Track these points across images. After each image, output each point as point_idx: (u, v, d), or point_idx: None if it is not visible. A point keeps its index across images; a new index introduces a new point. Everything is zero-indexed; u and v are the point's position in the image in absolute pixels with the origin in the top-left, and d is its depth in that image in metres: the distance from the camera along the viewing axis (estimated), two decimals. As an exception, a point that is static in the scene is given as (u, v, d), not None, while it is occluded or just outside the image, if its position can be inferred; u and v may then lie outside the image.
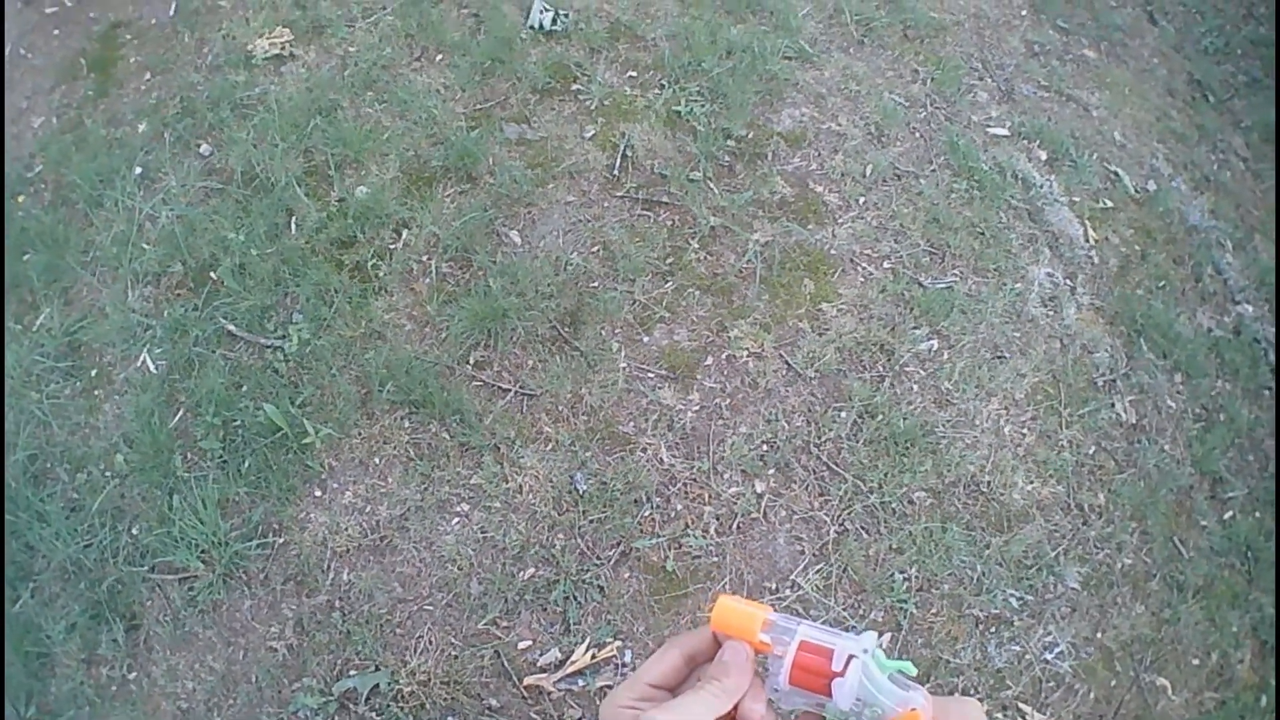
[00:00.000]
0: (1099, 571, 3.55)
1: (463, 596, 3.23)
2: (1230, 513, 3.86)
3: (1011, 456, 3.69)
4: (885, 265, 4.08)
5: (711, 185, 4.20)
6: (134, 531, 3.40)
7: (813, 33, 4.96)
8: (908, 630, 3.28)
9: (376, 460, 3.47)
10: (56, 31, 5.06)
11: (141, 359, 3.74)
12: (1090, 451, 3.80)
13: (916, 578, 3.38)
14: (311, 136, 4.24)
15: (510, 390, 3.61)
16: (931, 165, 4.48)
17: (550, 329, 3.75)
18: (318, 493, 3.43)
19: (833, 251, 4.07)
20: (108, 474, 3.51)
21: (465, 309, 3.72)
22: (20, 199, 4.28)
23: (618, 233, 4.01)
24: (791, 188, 4.26)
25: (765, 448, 3.56)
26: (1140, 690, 3.38)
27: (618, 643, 3.17)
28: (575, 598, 3.23)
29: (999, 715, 3.21)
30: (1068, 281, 4.23)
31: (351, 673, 3.10)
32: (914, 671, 0.80)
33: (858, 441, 3.60)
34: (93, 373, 3.76)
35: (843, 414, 3.66)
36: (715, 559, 3.34)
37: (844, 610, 3.27)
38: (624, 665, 3.15)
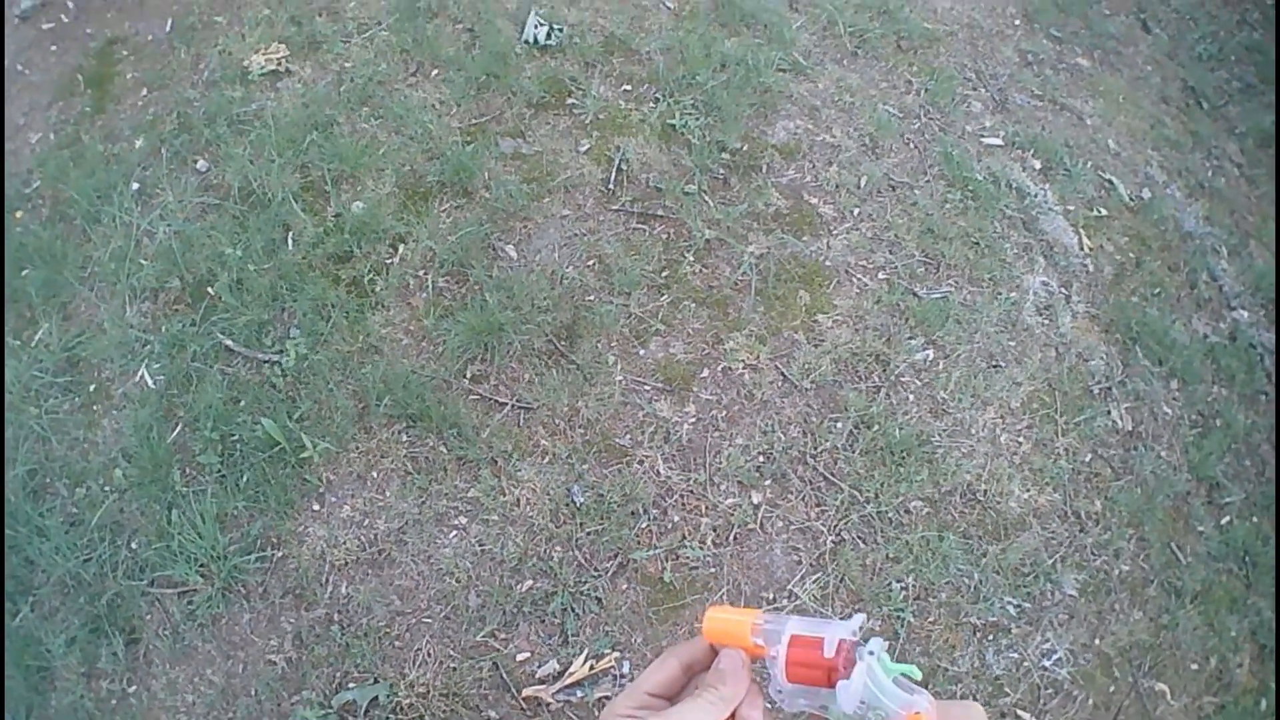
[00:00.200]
0: (1096, 578, 3.55)
1: (461, 609, 3.23)
2: (1228, 518, 3.87)
3: (1008, 465, 3.70)
4: (880, 276, 4.09)
5: (706, 198, 4.21)
6: (133, 546, 3.41)
7: (806, 45, 4.98)
8: (905, 639, 3.28)
9: (374, 474, 3.48)
10: (54, 48, 5.08)
11: (140, 374, 3.75)
12: (1087, 459, 3.81)
13: (914, 586, 3.39)
14: (308, 152, 4.26)
15: (507, 404, 3.62)
16: (926, 176, 4.50)
17: (546, 342, 3.76)
18: (316, 506, 3.43)
19: (828, 263, 4.08)
20: (107, 489, 3.52)
21: (462, 323, 3.73)
22: (18, 215, 4.30)
23: (613, 246, 4.03)
24: (786, 200, 4.27)
25: (762, 459, 3.57)
26: (1139, 696, 3.39)
27: (616, 654, 3.17)
28: (573, 609, 3.24)
29: (998, 723, 3.22)
30: (1063, 290, 4.24)
31: (350, 685, 3.11)
32: (919, 675, 0.80)
33: (854, 452, 3.61)
34: (91, 388, 3.77)
35: (839, 424, 3.67)
36: (713, 570, 3.34)
37: (842, 620, 3.28)
38: (622, 676, 3.15)
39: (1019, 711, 3.23)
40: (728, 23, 4.97)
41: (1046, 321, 4.12)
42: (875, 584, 3.36)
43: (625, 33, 4.84)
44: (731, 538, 3.41)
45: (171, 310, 3.89)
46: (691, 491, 3.48)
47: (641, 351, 3.78)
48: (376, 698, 3.08)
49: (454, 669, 3.14)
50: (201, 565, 3.30)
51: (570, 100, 4.52)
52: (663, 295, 3.91)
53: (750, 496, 3.49)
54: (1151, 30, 5.89)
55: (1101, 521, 3.68)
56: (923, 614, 3.35)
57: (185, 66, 4.77)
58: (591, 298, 3.89)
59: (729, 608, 0.92)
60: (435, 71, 4.63)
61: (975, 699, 3.21)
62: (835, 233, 4.19)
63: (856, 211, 4.28)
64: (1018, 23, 5.52)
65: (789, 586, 3.33)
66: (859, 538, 3.45)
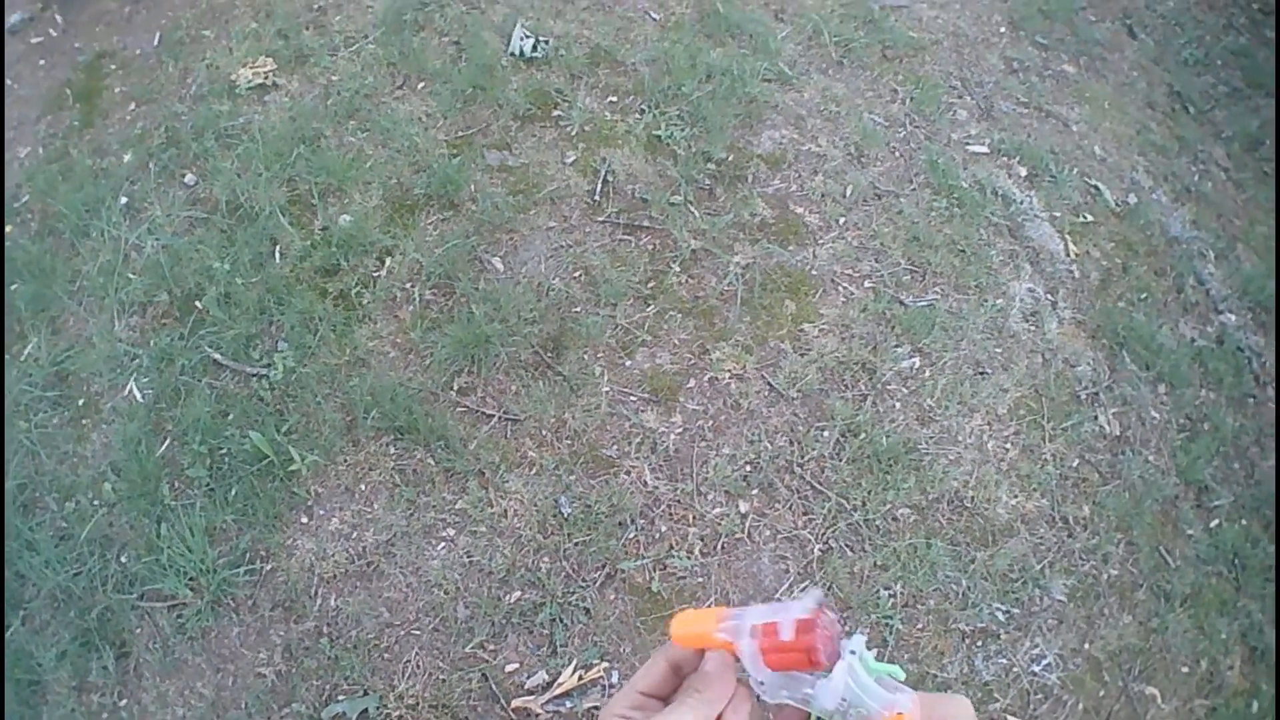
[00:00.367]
0: (1085, 583, 3.56)
1: (450, 620, 3.24)
2: (1216, 521, 3.87)
3: (995, 471, 3.71)
4: (866, 284, 4.10)
5: (692, 208, 4.23)
6: (123, 559, 3.41)
7: (792, 55, 5.00)
8: (894, 646, 3.29)
9: (362, 486, 3.49)
10: (42, 62, 5.09)
11: (128, 388, 3.76)
12: (1074, 464, 3.81)
13: (902, 594, 3.39)
14: (295, 165, 4.27)
15: (494, 415, 3.63)
16: (911, 184, 4.51)
17: (533, 354, 3.77)
18: (304, 519, 3.44)
19: (814, 272, 4.09)
20: (96, 502, 3.53)
21: (449, 336, 3.74)
22: (7, 229, 4.30)
23: (599, 257, 4.04)
24: (772, 209, 4.28)
25: (748, 468, 3.58)
26: (1129, 700, 3.39)
27: (605, 664, 3.18)
28: (561, 620, 3.24)
29: (988, 729, 3.23)
30: (1049, 296, 4.25)
31: (340, 698, 3.11)
32: (902, 675, 0.79)
33: (841, 460, 3.62)
34: (80, 402, 3.77)
35: (825, 433, 3.67)
36: (700, 579, 3.35)
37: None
38: (611, 686, 3.16)
39: (1009, 717, 3.23)
40: (713, 33, 4.99)
41: (1033, 328, 4.12)
42: (863, 592, 3.36)
43: (610, 44, 4.85)
44: (719, 547, 3.41)
45: (160, 324, 3.89)
46: (679, 501, 3.49)
47: (628, 362, 3.79)
48: (366, 710, 3.09)
49: (443, 680, 3.15)
50: (191, 578, 3.31)
51: (556, 112, 4.54)
52: (649, 306, 3.92)
53: (737, 506, 3.50)
54: (1137, 36, 5.90)
55: (1090, 526, 3.68)
56: (911, 621, 3.36)
57: (173, 81, 4.78)
58: (578, 309, 3.90)
59: (693, 610, 0.91)
60: (422, 84, 4.65)
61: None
62: (821, 242, 4.21)
63: (842, 220, 4.29)
64: (1003, 30, 5.53)
65: (777, 595, 3.33)
66: (847, 546, 3.45)
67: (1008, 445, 3.79)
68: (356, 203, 4.17)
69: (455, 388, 3.69)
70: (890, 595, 3.38)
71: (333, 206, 4.16)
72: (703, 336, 3.86)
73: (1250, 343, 4.44)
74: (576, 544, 3.38)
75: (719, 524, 3.45)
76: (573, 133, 4.46)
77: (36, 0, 5.37)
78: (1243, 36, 6.13)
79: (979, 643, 3.37)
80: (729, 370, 3.78)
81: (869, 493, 3.55)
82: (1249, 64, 5.91)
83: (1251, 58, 5.94)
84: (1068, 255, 4.42)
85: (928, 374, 3.88)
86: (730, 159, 4.43)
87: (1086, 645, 3.45)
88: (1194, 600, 3.63)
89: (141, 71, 4.88)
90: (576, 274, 4.00)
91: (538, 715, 3.09)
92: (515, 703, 3.09)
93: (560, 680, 3.13)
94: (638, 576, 3.34)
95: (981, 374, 3.93)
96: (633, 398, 3.70)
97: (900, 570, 3.42)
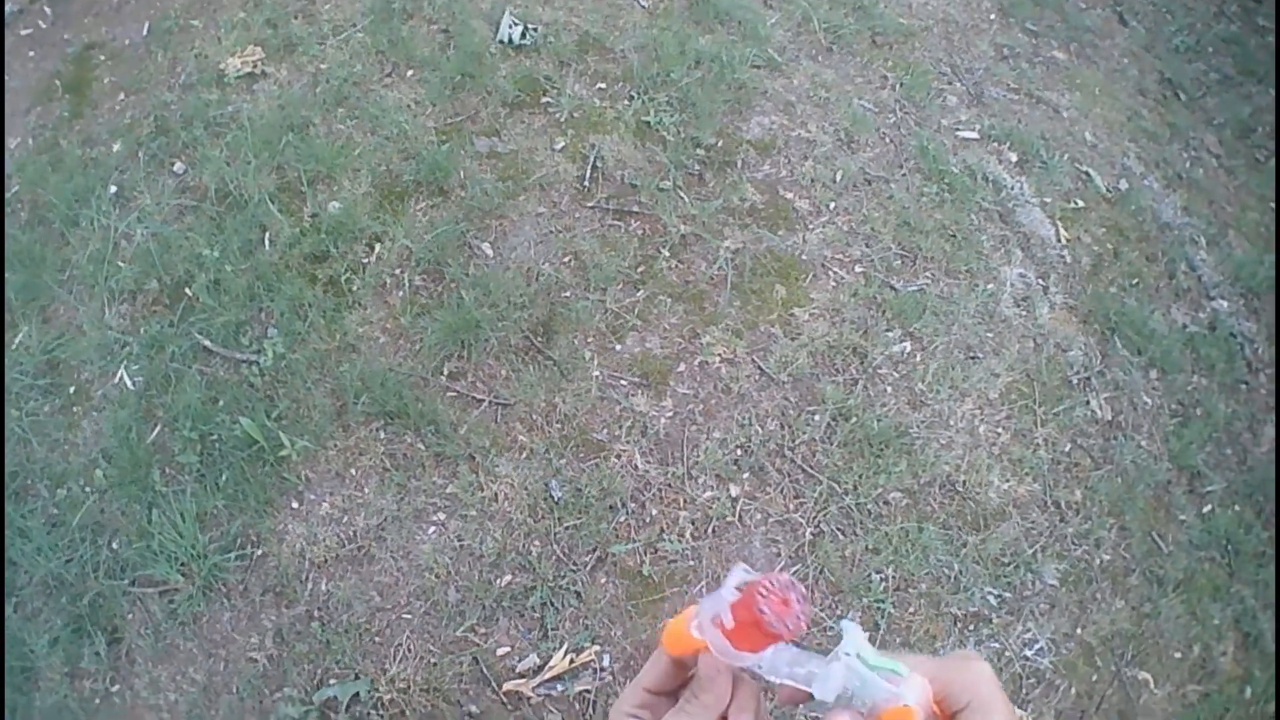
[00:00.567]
0: (1077, 568, 3.56)
1: (441, 604, 3.24)
2: (1209, 506, 3.87)
3: (987, 456, 3.71)
4: (857, 269, 4.10)
5: (682, 194, 4.22)
6: (114, 546, 3.41)
7: (781, 41, 4.99)
8: (886, 630, 3.29)
9: (353, 471, 3.49)
10: (32, 54, 5.08)
11: (119, 375, 3.75)
12: (1066, 449, 3.81)
13: (893, 577, 3.39)
14: (284, 153, 4.26)
15: (484, 400, 3.63)
16: (902, 169, 4.51)
17: (523, 339, 3.77)
18: (295, 504, 3.44)
19: (804, 257, 4.09)
20: (87, 489, 3.52)
21: (438, 321, 3.74)
22: (-3, 220, 4.30)
23: (589, 243, 4.03)
24: (761, 195, 4.28)
25: (739, 452, 3.58)
26: (1122, 685, 3.39)
27: (596, 647, 3.18)
28: (552, 604, 3.25)
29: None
30: (1040, 281, 4.25)
31: (331, 681, 3.11)
32: (905, 672, 0.76)
33: (832, 444, 3.62)
34: (71, 390, 3.77)
35: (816, 417, 3.68)
36: (691, 563, 3.35)
37: (821, 611, 3.29)
38: (602, 670, 3.16)
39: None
40: (702, 20, 4.98)
41: (1024, 313, 4.12)
42: (855, 575, 3.37)
43: (600, 31, 4.85)
44: (710, 531, 3.42)
45: (150, 311, 3.89)
46: (669, 485, 3.49)
47: (618, 347, 3.79)
48: (358, 694, 3.09)
49: (434, 664, 3.15)
50: (182, 564, 3.31)
51: (545, 99, 4.53)
52: (639, 291, 3.92)
53: (728, 489, 3.50)
54: (1128, 23, 5.89)
55: (1082, 511, 3.68)
56: (903, 605, 3.36)
57: (162, 70, 4.77)
58: (568, 294, 3.90)
59: (675, 617, 0.88)
60: (410, 72, 4.64)
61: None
62: (811, 227, 4.20)
63: (832, 205, 4.29)
64: (993, 17, 5.53)
65: (768, 578, 3.32)
66: (838, 529, 3.46)
67: (999, 430, 3.79)
68: (346, 190, 4.16)
69: (445, 373, 3.69)
70: (882, 579, 3.38)
71: (322, 194, 4.16)
72: (693, 321, 3.86)
73: (1242, 329, 4.44)
74: (567, 528, 3.38)
75: (710, 508, 3.45)
76: (562, 119, 4.45)
77: (26, -8, 5.37)
78: (1234, 24, 6.13)
79: (971, 627, 3.37)
80: (719, 354, 3.78)
81: (860, 476, 3.55)
82: (1240, 51, 5.91)
83: (1243, 45, 5.94)
84: (1059, 241, 4.42)
85: (919, 358, 3.88)
86: (719, 145, 4.43)
87: (1079, 630, 3.45)
88: (1187, 586, 3.63)
89: (131, 62, 4.87)
90: (566, 259, 4.00)
91: (529, 699, 3.09)
92: (506, 686, 3.09)
93: (551, 664, 3.13)
94: (629, 560, 3.34)
95: (973, 358, 3.93)
96: (623, 382, 3.70)
97: (892, 554, 3.42)
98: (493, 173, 4.24)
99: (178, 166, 4.31)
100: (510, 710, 3.08)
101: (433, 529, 3.38)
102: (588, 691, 3.10)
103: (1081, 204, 4.61)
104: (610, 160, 4.32)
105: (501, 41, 4.72)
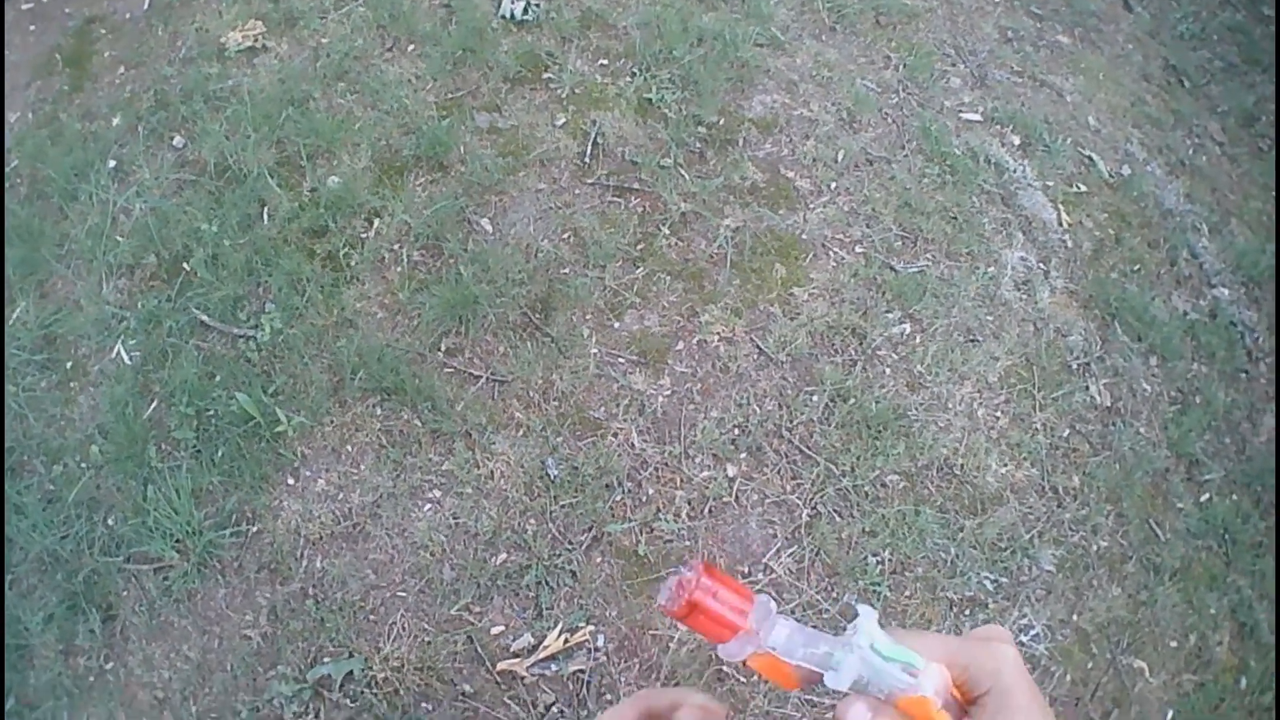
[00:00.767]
0: (1074, 554, 3.55)
1: (435, 582, 3.23)
2: (1207, 495, 3.86)
3: (985, 439, 3.70)
4: (857, 250, 4.09)
5: (682, 171, 4.21)
6: (109, 522, 3.40)
7: (784, 20, 4.98)
8: (882, 613, 3.26)
9: (349, 448, 3.48)
10: (32, 28, 5.06)
11: (116, 350, 3.74)
12: (1064, 434, 3.80)
13: (890, 560, 3.38)
14: (284, 127, 4.25)
15: (481, 377, 3.62)
16: (904, 150, 4.49)
17: (521, 315, 3.75)
18: (290, 481, 3.43)
19: (804, 236, 4.08)
20: (83, 465, 3.51)
21: (436, 297, 3.73)
22: (-5, 194, 4.29)
23: (588, 219, 4.02)
24: (763, 173, 4.27)
25: (737, 432, 3.57)
26: (1117, 672, 3.38)
27: (590, 627, 3.17)
28: (547, 583, 3.24)
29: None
30: (1041, 265, 4.24)
31: (325, 659, 3.11)
32: (921, 665, 0.74)
33: (830, 425, 3.61)
34: (68, 365, 3.76)
35: (814, 398, 3.66)
36: (687, 543, 3.34)
37: (817, 593, 3.28)
38: (596, 650, 3.15)
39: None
40: (705, -2, 4.97)
41: (1025, 296, 4.11)
42: (851, 558, 3.36)
43: (602, 8, 4.83)
44: (706, 511, 3.40)
45: (147, 286, 3.88)
46: (666, 464, 3.48)
47: (616, 324, 3.77)
48: (351, 671, 3.08)
49: (428, 643, 3.14)
50: (177, 541, 3.30)
51: (546, 75, 4.52)
52: (638, 268, 3.91)
53: (725, 469, 3.49)
54: (1133, 9, 5.88)
55: (1079, 497, 3.67)
56: (899, 588, 3.35)
57: (162, 44, 4.76)
58: (566, 271, 3.89)
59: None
60: (411, 47, 4.62)
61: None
62: (812, 206, 4.19)
63: (834, 185, 4.28)
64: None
65: (764, 560, 3.33)
66: (835, 511, 3.45)
67: (998, 413, 3.78)
68: (345, 164, 4.15)
69: (443, 349, 3.68)
70: (878, 562, 3.37)
71: (321, 168, 4.14)
72: (692, 299, 3.85)
73: (1243, 318, 4.43)
74: (563, 506, 3.37)
75: (707, 487, 3.44)
76: (563, 95, 4.44)
77: (27, -34, 5.35)
78: (1239, 12, 6.12)
79: (967, 611, 3.36)
80: (718, 333, 3.76)
81: (858, 458, 3.54)
82: (1245, 40, 5.90)
83: (1248, 34, 5.93)
84: (1060, 225, 4.41)
85: (918, 340, 3.87)
86: (721, 123, 4.41)
87: (1075, 617, 3.44)
88: (1184, 574, 3.62)
89: (131, 36, 4.86)
90: (565, 236, 3.99)
91: (523, 678, 3.08)
92: (500, 665, 3.09)
93: (546, 643, 3.12)
94: (624, 539, 3.33)
95: (972, 341, 3.92)
96: (621, 359, 3.69)
97: (889, 537, 3.41)
98: (493, 148, 4.22)
99: (177, 141, 4.29)
100: (504, 690, 3.07)
101: (428, 506, 3.37)
102: (582, 671, 3.10)
103: (1084, 189, 4.60)
104: (611, 137, 4.31)
105: (503, 17, 4.71)
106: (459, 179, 4.10)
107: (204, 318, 3.75)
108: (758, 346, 3.76)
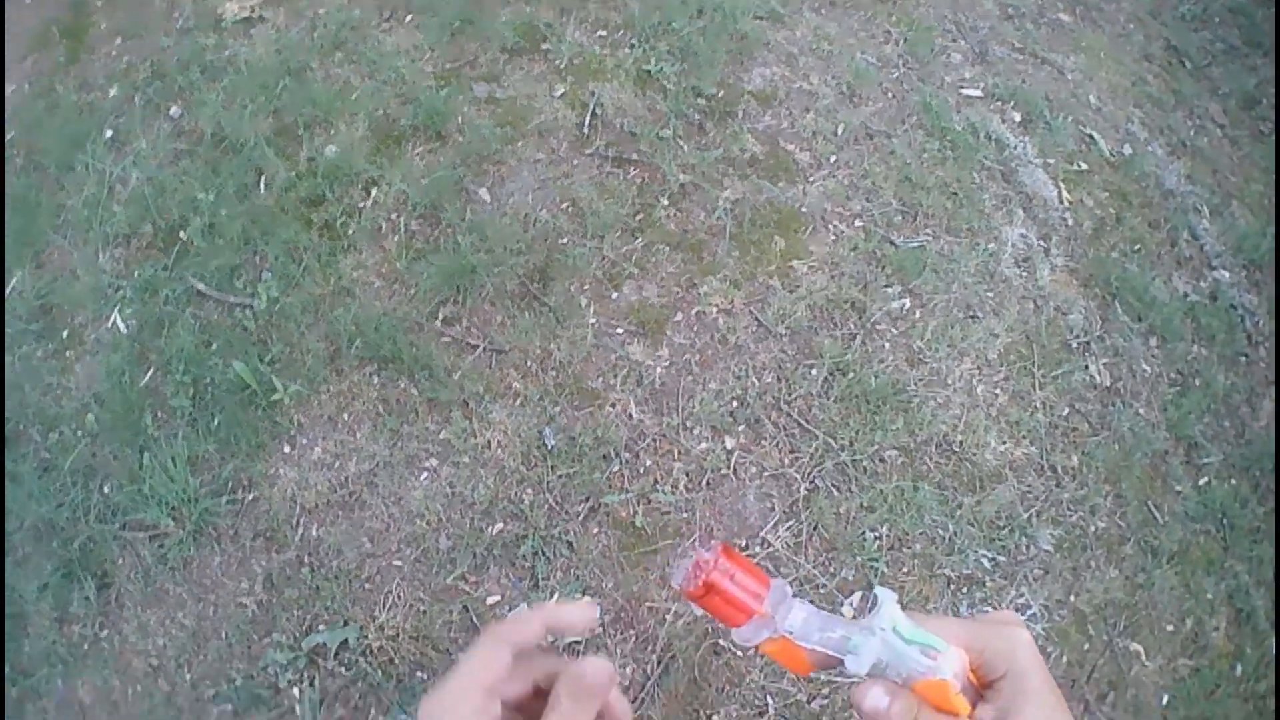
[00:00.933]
0: (1072, 534, 3.53)
1: (431, 551, 3.23)
2: (1205, 478, 3.84)
3: (984, 416, 3.69)
4: (857, 224, 4.07)
5: (681, 143, 4.20)
6: (105, 490, 3.41)
7: (785, -7, 4.96)
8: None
9: (345, 416, 3.47)
10: (29, 1, 5.05)
11: (112, 319, 3.74)
12: (1064, 413, 3.79)
13: (888, 536, 3.37)
14: (281, 97, 4.25)
15: (479, 346, 3.61)
16: (904, 125, 4.47)
17: (519, 285, 3.74)
18: (287, 449, 3.43)
19: (804, 209, 4.07)
20: (79, 433, 3.52)
21: (434, 266, 3.72)
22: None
23: (587, 190, 4.01)
24: (762, 146, 4.25)
25: (735, 404, 3.56)
26: (1113, 655, 3.37)
27: (587, 598, 3.16)
28: (544, 553, 3.23)
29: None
30: (1041, 243, 4.22)
31: (320, 628, 3.10)
32: (943, 648, 0.75)
33: (829, 399, 3.60)
34: (64, 334, 3.77)
35: (813, 371, 3.65)
36: (684, 515, 3.33)
37: (814, 568, 3.27)
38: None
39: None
40: (705, -30, 4.95)
41: (1025, 273, 4.10)
42: (849, 533, 3.34)
43: (602, -21, 4.82)
44: (704, 483, 3.39)
45: (144, 255, 3.88)
46: (664, 435, 3.47)
47: (614, 295, 3.76)
48: (346, 640, 3.08)
49: (424, 612, 3.14)
50: (173, 508, 3.30)
51: (545, 45, 4.51)
52: (636, 239, 3.90)
53: (723, 442, 3.48)
54: (1135, -12, 5.87)
55: (1078, 477, 3.66)
56: (896, 564, 3.34)
57: (159, 15, 4.76)
58: (564, 241, 3.87)
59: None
60: (409, 17, 4.62)
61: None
62: (812, 179, 4.18)
63: (833, 159, 4.26)
64: (999, -24, 5.50)
65: (761, 533, 3.32)
66: (833, 486, 3.43)
67: (997, 391, 3.77)
68: (342, 134, 4.15)
69: (440, 318, 3.67)
70: (876, 537, 3.36)
71: (319, 138, 4.14)
72: (690, 270, 3.84)
73: (1244, 301, 4.41)
74: (560, 476, 3.36)
75: (704, 459, 3.43)
76: (561, 66, 4.43)
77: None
78: (1241, -6, 6.11)
79: (964, 589, 3.35)
80: (717, 305, 3.75)
81: (856, 433, 3.52)
82: (1247, 22, 5.88)
83: (1250, 16, 5.91)
84: (1061, 202, 4.39)
85: (918, 315, 3.86)
86: (720, 95, 4.40)
87: (1072, 597, 3.43)
88: (1181, 558, 3.61)
89: (128, 7, 4.86)
90: (564, 206, 3.98)
91: (519, 648, 3.07)
92: (496, 635, 3.07)
93: (542, 614, 3.11)
94: (621, 510, 3.32)
95: (972, 318, 3.90)
96: (619, 330, 3.68)
97: (887, 512, 3.40)
98: (491, 118, 4.21)
99: (174, 111, 4.29)
100: (500, 659, 3.06)
101: (425, 475, 3.37)
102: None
103: (1085, 167, 4.58)
104: (610, 108, 4.29)
105: (501, -13, 4.70)
106: (457, 149, 4.09)
107: (200, 286, 3.75)
108: (757, 319, 3.75)
